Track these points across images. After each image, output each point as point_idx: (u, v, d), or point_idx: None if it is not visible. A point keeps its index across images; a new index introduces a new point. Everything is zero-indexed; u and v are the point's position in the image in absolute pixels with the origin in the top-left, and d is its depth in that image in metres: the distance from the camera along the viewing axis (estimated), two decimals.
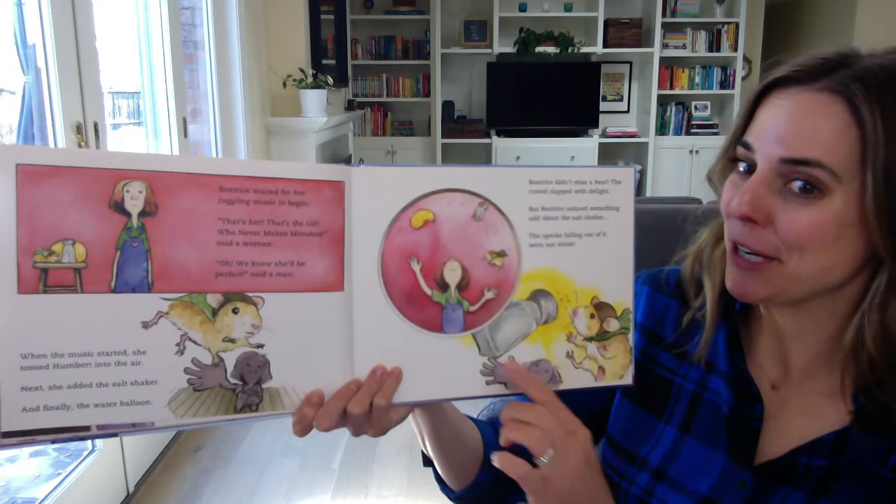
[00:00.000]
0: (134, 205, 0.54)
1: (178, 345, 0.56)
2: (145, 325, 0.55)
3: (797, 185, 0.58)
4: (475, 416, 0.84)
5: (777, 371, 0.69)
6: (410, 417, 0.68)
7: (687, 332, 0.74)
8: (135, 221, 0.54)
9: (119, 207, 0.54)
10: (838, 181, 0.57)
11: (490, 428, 0.82)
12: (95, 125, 1.98)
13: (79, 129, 1.91)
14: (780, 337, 0.68)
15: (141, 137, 2.63)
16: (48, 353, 0.53)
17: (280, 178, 0.58)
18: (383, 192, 0.60)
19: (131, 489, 2.13)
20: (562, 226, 0.64)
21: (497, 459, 0.64)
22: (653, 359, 0.76)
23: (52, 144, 1.86)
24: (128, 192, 0.54)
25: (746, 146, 0.63)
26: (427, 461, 0.78)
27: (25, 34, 1.84)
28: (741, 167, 0.64)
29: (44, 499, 1.79)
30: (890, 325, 0.59)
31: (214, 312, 0.57)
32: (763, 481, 0.66)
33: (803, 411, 0.67)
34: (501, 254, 0.63)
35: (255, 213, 0.57)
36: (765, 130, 0.61)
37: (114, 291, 0.54)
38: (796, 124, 0.59)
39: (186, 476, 2.26)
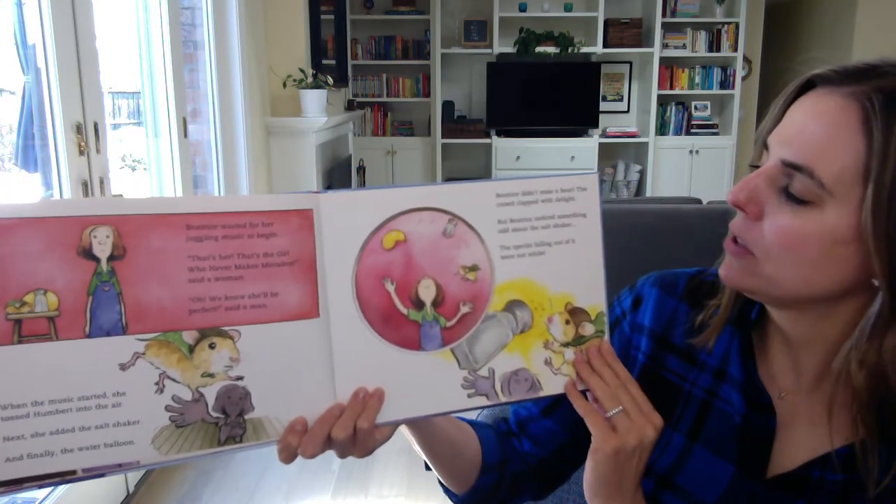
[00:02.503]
0: (102, 250, 0.54)
1: (157, 384, 0.56)
2: (123, 367, 0.55)
3: (794, 188, 0.57)
4: (476, 419, 0.84)
5: (789, 379, 0.68)
6: (403, 427, 0.68)
7: (698, 336, 0.72)
8: (104, 266, 0.54)
9: (87, 253, 0.54)
10: (829, 194, 0.56)
11: (492, 431, 0.81)
12: (95, 125, 1.98)
13: (79, 129, 1.91)
14: (789, 344, 0.67)
15: (141, 137, 2.63)
16: (28, 402, 0.53)
17: (246, 212, 0.58)
18: (352, 216, 0.61)
19: (131, 489, 2.13)
20: (531, 236, 0.65)
21: (569, 393, 0.66)
22: (662, 364, 0.75)
23: (52, 144, 1.86)
24: (95, 237, 0.54)
25: (766, 146, 0.62)
26: (429, 465, 0.78)
27: (25, 34, 1.84)
28: (760, 162, 0.63)
29: (44, 499, 1.79)
30: (878, 357, 0.57)
31: (191, 349, 0.57)
32: (774, 495, 0.65)
33: (815, 422, 0.65)
34: (474, 268, 0.64)
35: (225, 248, 0.57)
36: (782, 129, 0.61)
37: (89, 336, 0.54)
38: (805, 127, 0.58)
39: (186, 476, 2.26)
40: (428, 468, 0.78)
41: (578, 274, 0.66)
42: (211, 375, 0.58)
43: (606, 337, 0.67)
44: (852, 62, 0.59)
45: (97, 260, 0.54)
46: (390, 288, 0.62)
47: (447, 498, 0.83)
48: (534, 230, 0.65)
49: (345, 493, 2.21)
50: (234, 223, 0.58)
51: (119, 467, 0.56)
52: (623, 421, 0.63)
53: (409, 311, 0.62)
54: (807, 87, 0.61)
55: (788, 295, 0.61)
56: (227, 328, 0.58)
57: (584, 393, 0.67)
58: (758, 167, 0.62)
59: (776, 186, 0.59)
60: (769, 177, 0.59)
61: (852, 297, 0.60)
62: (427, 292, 0.63)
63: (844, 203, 0.56)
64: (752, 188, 0.60)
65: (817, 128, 0.57)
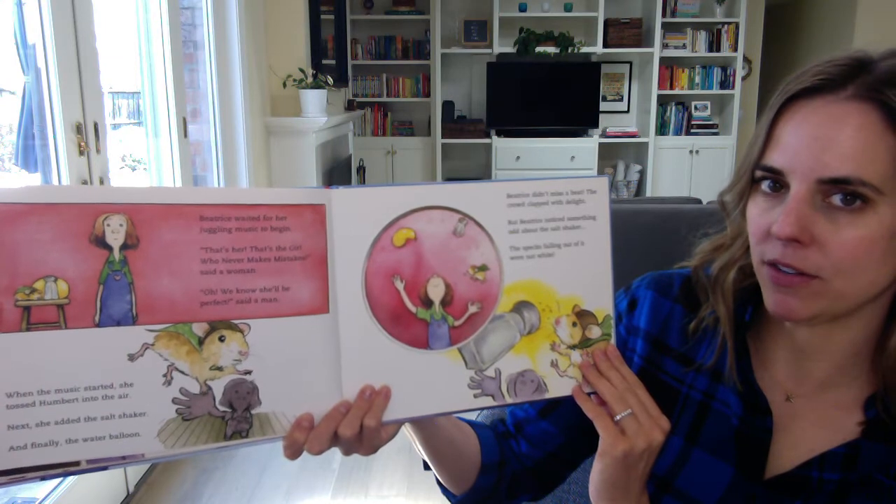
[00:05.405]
0: (115, 238, 0.54)
1: (165, 375, 0.56)
2: (131, 358, 0.55)
3: (837, 198, 0.57)
4: (475, 420, 0.84)
5: (792, 384, 0.68)
6: (404, 427, 0.68)
7: (694, 340, 0.73)
8: (116, 255, 0.54)
9: (100, 242, 0.54)
10: (881, 194, 0.56)
11: (490, 432, 0.81)
12: (95, 125, 1.98)
13: (79, 129, 1.91)
14: (799, 352, 0.67)
15: (141, 137, 2.63)
16: (34, 390, 0.53)
17: (261, 205, 0.58)
18: (364, 212, 0.61)
19: (131, 489, 2.13)
20: (541, 237, 0.65)
21: (576, 396, 0.66)
22: (658, 366, 0.75)
23: (52, 144, 1.86)
24: (108, 225, 0.54)
25: (772, 170, 0.60)
26: (427, 465, 0.78)
27: (25, 34, 1.84)
28: (765, 187, 0.62)
29: (44, 499, 1.79)
30: None
31: (201, 341, 0.57)
32: (773, 495, 0.65)
33: (816, 424, 0.66)
34: (483, 268, 0.64)
35: (238, 241, 0.57)
36: (795, 148, 0.59)
37: (98, 326, 0.54)
38: (830, 140, 0.57)
39: (186, 476, 2.26)
40: (426, 467, 0.78)
41: (587, 276, 0.66)
42: (219, 369, 0.58)
43: (613, 340, 0.67)
44: (825, 66, 0.59)
45: (110, 248, 0.54)
46: (399, 286, 0.62)
47: (447, 500, 0.83)
48: (543, 231, 0.65)
49: (345, 492, 2.21)
50: (248, 215, 0.58)
51: (123, 460, 0.56)
52: (631, 424, 0.64)
53: (417, 310, 0.62)
54: (788, 101, 0.60)
55: (854, 304, 0.60)
56: (237, 321, 0.58)
57: (590, 395, 0.67)
58: (761, 180, 0.61)
59: (815, 206, 0.58)
60: (806, 200, 0.58)
61: (889, 289, 0.61)
62: (436, 291, 0.63)
63: (893, 197, 0.56)
64: (800, 217, 0.57)
65: (847, 137, 0.56)
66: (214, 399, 0.58)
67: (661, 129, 5.81)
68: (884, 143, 0.55)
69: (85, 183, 1.95)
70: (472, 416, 0.81)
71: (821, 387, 0.66)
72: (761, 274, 0.63)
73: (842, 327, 0.63)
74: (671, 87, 5.72)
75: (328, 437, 0.59)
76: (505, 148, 5.64)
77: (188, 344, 0.57)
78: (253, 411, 0.59)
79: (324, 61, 4.15)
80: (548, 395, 0.66)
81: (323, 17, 4.14)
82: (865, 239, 0.56)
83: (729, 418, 0.69)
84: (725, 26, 5.55)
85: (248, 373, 0.58)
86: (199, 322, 0.57)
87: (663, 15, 5.48)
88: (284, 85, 3.40)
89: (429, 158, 5.91)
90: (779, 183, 0.60)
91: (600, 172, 5.65)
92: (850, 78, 0.57)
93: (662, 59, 5.60)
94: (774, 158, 0.60)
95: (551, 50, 5.54)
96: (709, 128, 5.82)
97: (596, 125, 5.70)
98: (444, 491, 0.81)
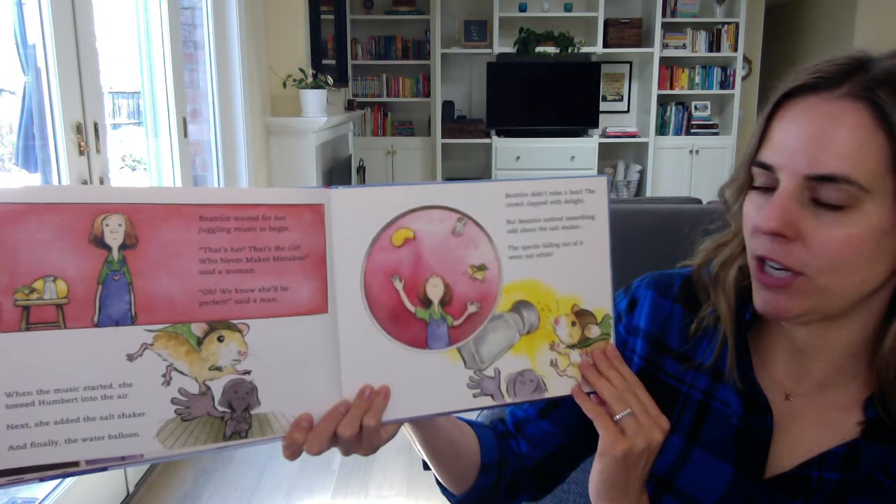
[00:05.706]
0: (114, 238, 0.54)
1: (164, 376, 0.56)
2: (130, 358, 0.55)
3: (825, 196, 0.57)
4: (474, 419, 0.84)
5: (791, 383, 0.68)
6: (404, 427, 0.68)
7: (694, 340, 0.73)
8: (115, 255, 0.54)
9: (99, 242, 0.54)
10: (868, 193, 0.56)
11: (490, 431, 0.81)
12: (95, 125, 1.98)
13: (79, 129, 1.91)
14: (798, 351, 0.67)
15: (141, 137, 2.64)
16: (33, 390, 0.53)
17: (260, 205, 0.58)
18: (363, 212, 0.61)
19: (131, 489, 2.13)
20: (539, 237, 0.65)
21: (576, 395, 0.66)
22: (658, 366, 0.75)
23: (52, 144, 1.86)
24: (107, 225, 0.54)
25: (764, 166, 0.61)
26: (427, 465, 0.78)
27: (25, 34, 1.84)
28: (759, 183, 0.62)
29: (44, 499, 1.79)
30: None
31: (199, 341, 0.57)
32: (773, 495, 0.65)
33: (816, 424, 0.66)
34: (482, 267, 0.64)
35: (237, 241, 0.57)
36: (785, 145, 0.59)
37: (97, 326, 0.54)
38: (819, 137, 0.57)
39: (186, 476, 2.26)
40: (426, 467, 0.78)
41: (585, 276, 0.66)
42: (218, 369, 0.58)
43: (612, 340, 0.68)
44: (822, 65, 0.59)
45: (108, 248, 0.54)
46: (398, 285, 0.62)
47: (447, 500, 0.83)
48: (542, 231, 0.65)
49: (345, 492, 2.21)
50: (247, 215, 0.58)
51: (122, 460, 0.56)
52: (631, 424, 0.64)
53: (416, 310, 0.62)
54: (784, 99, 0.61)
55: (846, 303, 0.60)
56: (236, 321, 0.58)
57: (589, 395, 0.67)
58: (766, 188, 0.61)
59: (802, 202, 0.58)
60: (793, 195, 0.58)
61: (885, 288, 0.61)
62: (435, 291, 0.63)
63: (881, 196, 0.56)
64: (783, 212, 0.58)
65: (838, 135, 0.56)
66: (213, 399, 0.57)
67: (661, 129, 5.81)
68: (873, 141, 0.55)
69: (85, 183, 1.95)
70: (472, 416, 0.81)
71: (820, 387, 0.66)
72: (752, 270, 0.63)
73: (838, 327, 0.63)
74: (671, 87, 5.72)
75: (327, 437, 0.59)
76: (505, 148, 5.64)
77: (187, 344, 0.56)
78: (252, 411, 0.59)
79: (324, 61, 4.15)
80: (547, 395, 0.66)
81: (323, 17, 4.14)
82: (851, 237, 0.57)
83: (729, 418, 0.69)
84: (725, 26, 5.55)
85: (247, 373, 0.58)
86: (197, 322, 0.57)
87: (663, 15, 5.48)
88: (284, 85, 3.40)
89: (429, 158, 5.91)
90: (773, 181, 0.61)
91: (600, 172, 5.63)
92: (846, 77, 0.58)
93: (662, 59, 5.60)
94: (767, 155, 0.61)
95: (551, 50, 5.54)
96: (709, 128, 5.82)
97: (596, 125, 5.70)
98: (444, 491, 0.81)
